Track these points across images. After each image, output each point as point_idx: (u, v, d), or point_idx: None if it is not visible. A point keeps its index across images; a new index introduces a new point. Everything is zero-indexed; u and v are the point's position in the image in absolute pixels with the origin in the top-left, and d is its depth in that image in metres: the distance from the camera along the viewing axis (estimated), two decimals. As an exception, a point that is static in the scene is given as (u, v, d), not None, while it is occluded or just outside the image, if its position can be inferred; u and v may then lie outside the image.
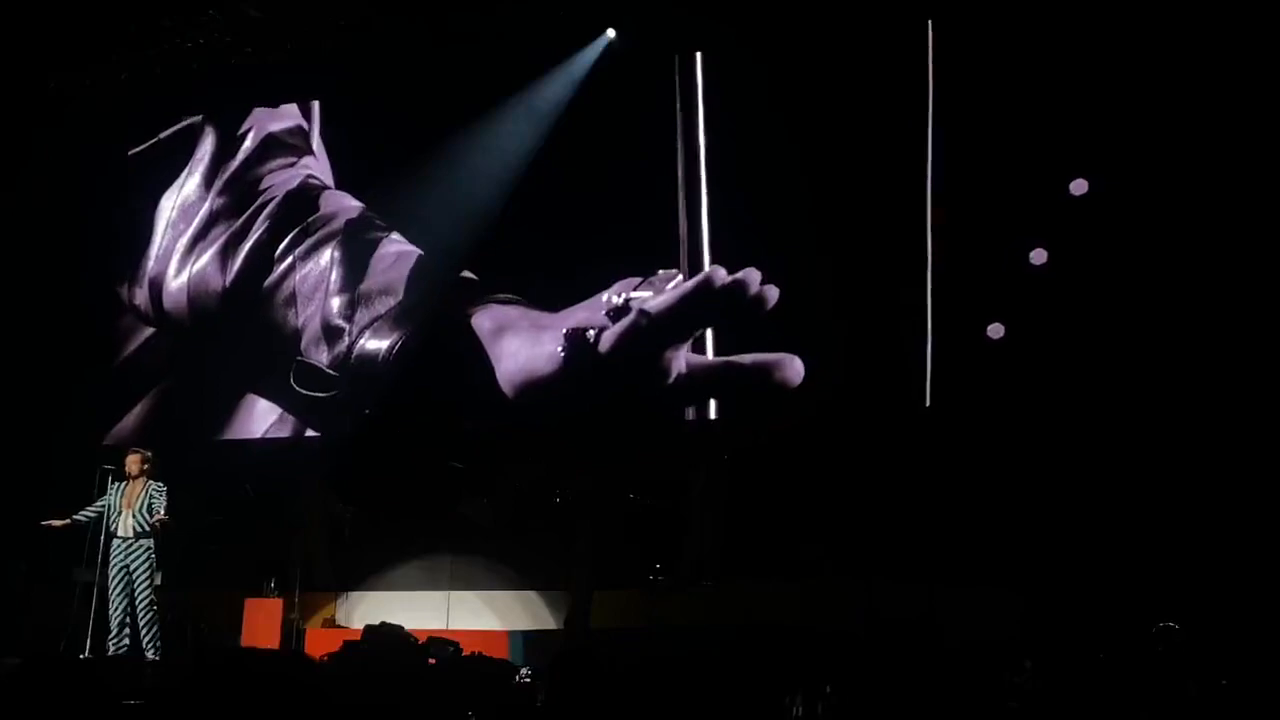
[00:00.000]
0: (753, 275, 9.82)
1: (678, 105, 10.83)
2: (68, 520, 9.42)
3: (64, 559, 10.10)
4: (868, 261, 10.05)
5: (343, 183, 12.07)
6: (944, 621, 8.26)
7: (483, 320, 10.84)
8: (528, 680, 8.26)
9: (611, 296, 10.15)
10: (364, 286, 11.47)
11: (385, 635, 9.07)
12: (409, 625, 9.26)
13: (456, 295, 11.07)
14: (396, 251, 11.49)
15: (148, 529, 9.22)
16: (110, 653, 9.12)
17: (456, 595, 10.51)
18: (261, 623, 10.10)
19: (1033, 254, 9.69)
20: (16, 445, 11.16)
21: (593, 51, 11.32)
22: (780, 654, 7.61)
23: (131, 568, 9.20)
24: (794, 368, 9.76)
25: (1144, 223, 9.39)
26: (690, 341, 10.17)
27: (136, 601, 9.16)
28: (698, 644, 8.32)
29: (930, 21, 10.23)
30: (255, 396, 11.74)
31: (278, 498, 10.97)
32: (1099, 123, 9.59)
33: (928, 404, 9.84)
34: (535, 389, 10.48)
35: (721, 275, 9.92)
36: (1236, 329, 9.13)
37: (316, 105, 12.31)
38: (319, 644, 9.58)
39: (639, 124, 10.75)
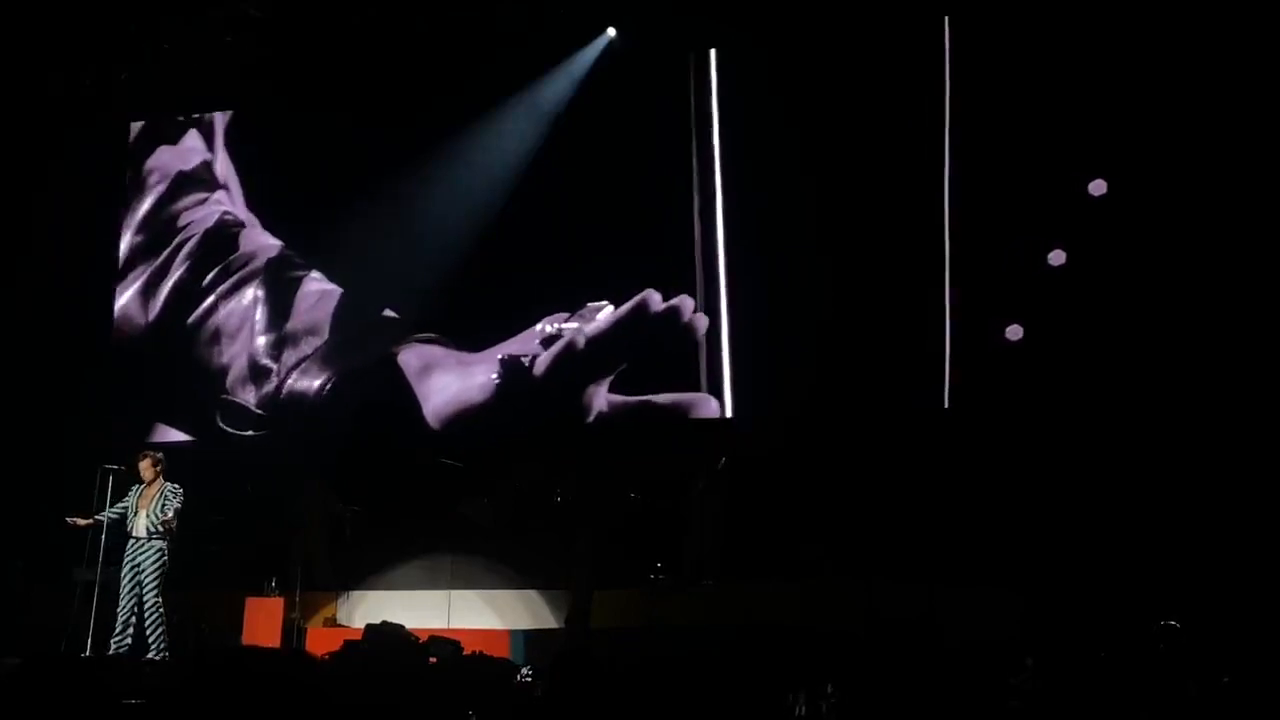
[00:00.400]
0: (686, 302, 10.27)
1: (691, 104, 10.84)
2: (91, 520, 9.44)
3: (64, 559, 10.11)
4: (885, 262, 10.05)
5: (260, 202, 12.25)
6: (944, 621, 8.25)
7: (409, 358, 11.28)
8: (529, 679, 8.26)
9: (544, 327, 10.58)
10: (289, 326, 11.82)
11: (386, 634, 9.06)
12: (410, 624, 9.25)
13: (380, 334, 11.45)
14: (318, 290, 11.81)
15: (160, 530, 9.25)
16: (111, 650, 9.13)
17: (457, 594, 10.51)
18: (262, 622, 10.09)
19: (1051, 255, 9.65)
20: (14, 444, 11.16)
21: (593, 51, 11.33)
22: (782, 653, 7.61)
23: (141, 567, 9.21)
24: (708, 406, 10.27)
25: (1163, 223, 9.32)
26: (609, 380, 10.52)
27: (144, 601, 9.18)
28: (698, 644, 8.32)
29: (947, 19, 10.19)
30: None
31: (278, 498, 10.97)
32: (1118, 123, 9.52)
33: (946, 405, 9.86)
34: (467, 418, 10.93)
35: (657, 300, 10.30)
36: (1249, 329, 9.09)
37: (219, 125, 12.45)
38: (320, 643, 9.58)
39: (645, 123, 10.77)
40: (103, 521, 9.43)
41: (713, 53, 10.93)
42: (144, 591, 9.16)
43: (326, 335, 11.77)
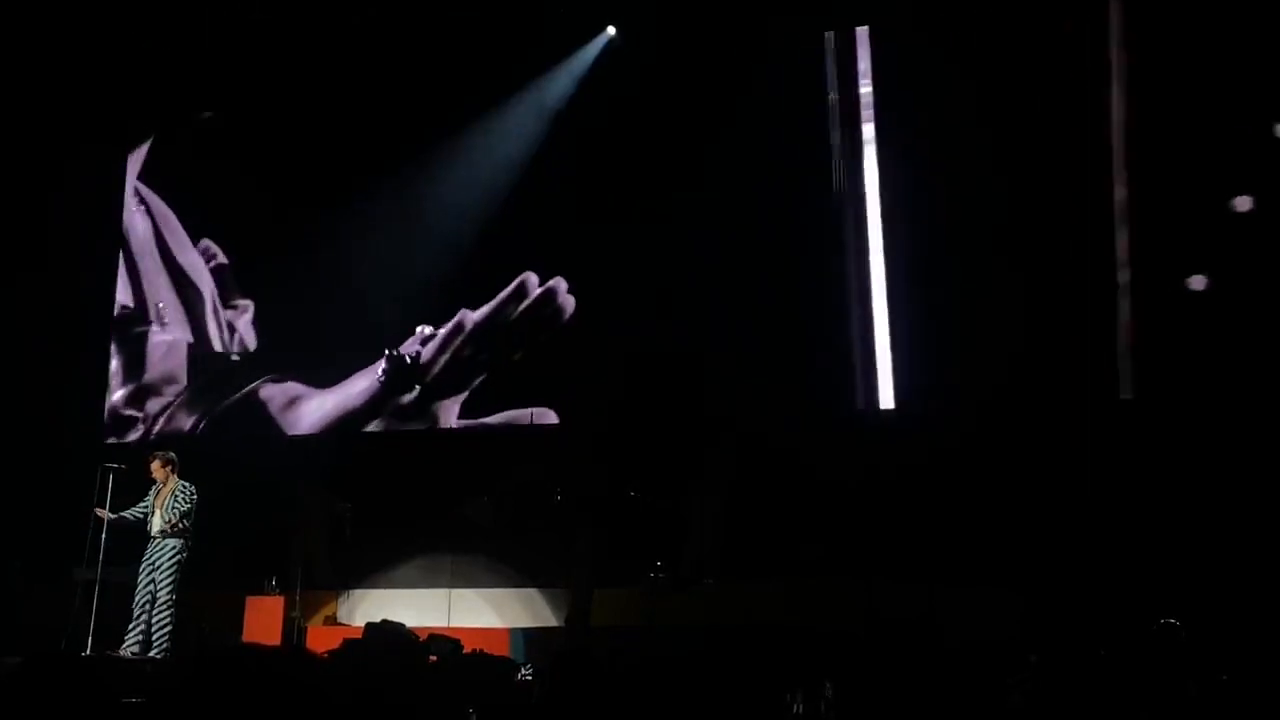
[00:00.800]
0: (560, 283, 10.80)
1: (833, 84, 10.59)
2: (116, 516, 9.48)
3: (63, 558, 10.12)
4: (1046, 239, 9.43)
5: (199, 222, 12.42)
6: (944, 621, 8.24)
7: (271, 393, 11.83)
8: (529, 678, 8.25)
9: (422, 329, 11.26)
10: (147, 378, 12.29)
11: (386, 633, 9.04)
12: (410, 623, 9.21)
13: (236, 375, 11.97)
14: (166, 341, 12.34)
15: (170, 529, 9.26)
16: (125, 643, 9.18)
17: (458, 593, 10.52)
18: (262, 621, 10.12)
19: (1236, 200, 8.98)
20: (12, 442, 11.15)
21: (593, 49, 11.34)
22: (781, 652, 7.61)
23: (157, 565, 9.29)
24: (545, 419, 10.84)
25: None
26: (461, 400, 11.10)
27: (158, 598, 9.21)
28: (698, 644, 8.32)
29: None
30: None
31: (278, 498, 10.98)
32: None
33: (1127, 395, 9.14)
34: (348, 422, 11.51)
35: (533, 282, 10.93)
36: None
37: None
38: (320, 641, 9.58)
39: (765, 111, 10.32)
40: (127, 520, 9.45)
41: (862, 30, 10.58)
42: (158, 589, 9.21)
43: (185, 382, 12.21)
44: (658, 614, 9.60)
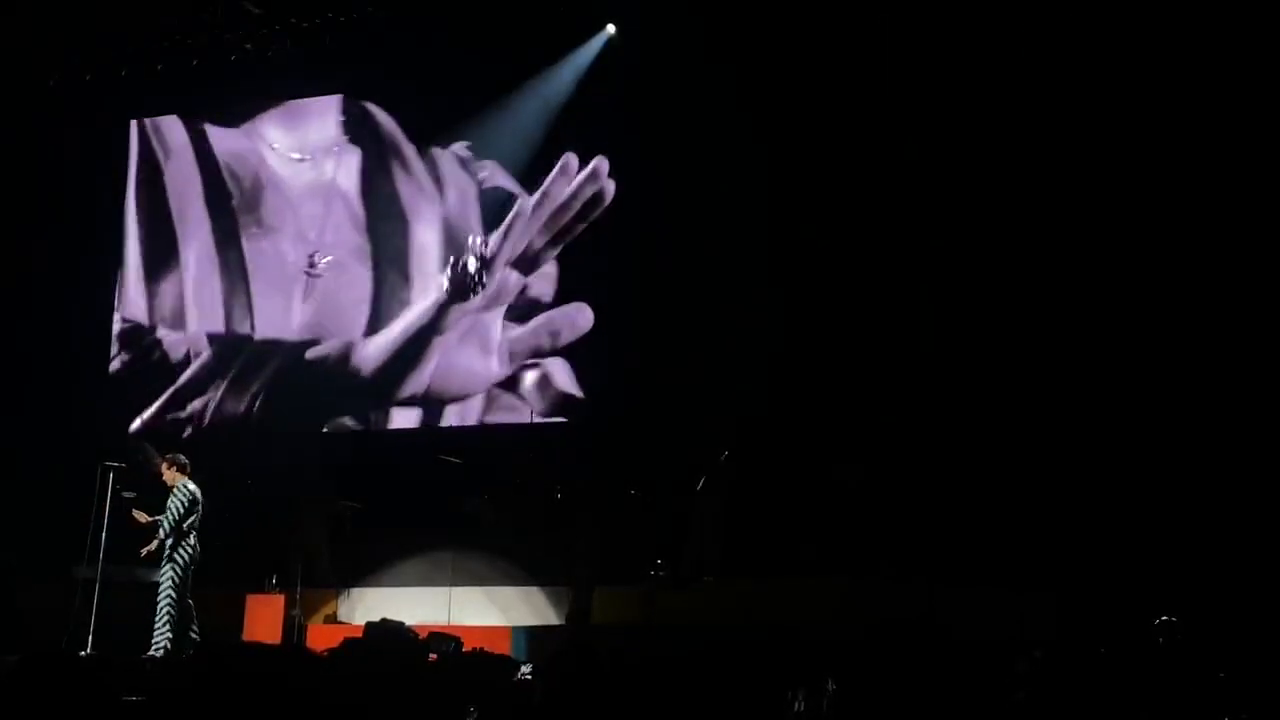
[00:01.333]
0: (602, 164, 11.01)
1: None
2: (150, 519, 9.46)
3: (64, 556, 10.12)
4: None
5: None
6: (943, 622, 8.22)
7: (320, 352, 12.00)
8: (529, 676, 8.25)
9: (473, 236, 11.52)
10: (181, 380, 12.43)
11: (386, 631, 9.04)
12: (411, 621, 9.22)
13: (268, 354, 12.18)
14: (182, 338, 12.52)
15: (168, 531, 9.28)
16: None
17: (458, 591, 10.51)
18: (263, 619, 10.12)
19: None
20: (12, 440, 11.16)
21: (594, 46, 11.33)
22: (782, 651, 7.60)
23: (160, 567, 9.28)
24: (585, 315, 11.10)
25: None
26: (503, 321, 11.39)
27: (157, 600, 9.21)
28: (698, 643, 8.32)
29: None
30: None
31: (278, 496, 10.98)
32: None
33: None
34: (413, 338, 11.69)
35: (574, 163, 11.18)
36: None
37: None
38: (321, 640, 9.58)
39: None
40: (159, 522, 9.44)
41: None
42: (158, 590, 9.21)
43: (220, 371, 12.32)
44: (658, 613, 9.60)
